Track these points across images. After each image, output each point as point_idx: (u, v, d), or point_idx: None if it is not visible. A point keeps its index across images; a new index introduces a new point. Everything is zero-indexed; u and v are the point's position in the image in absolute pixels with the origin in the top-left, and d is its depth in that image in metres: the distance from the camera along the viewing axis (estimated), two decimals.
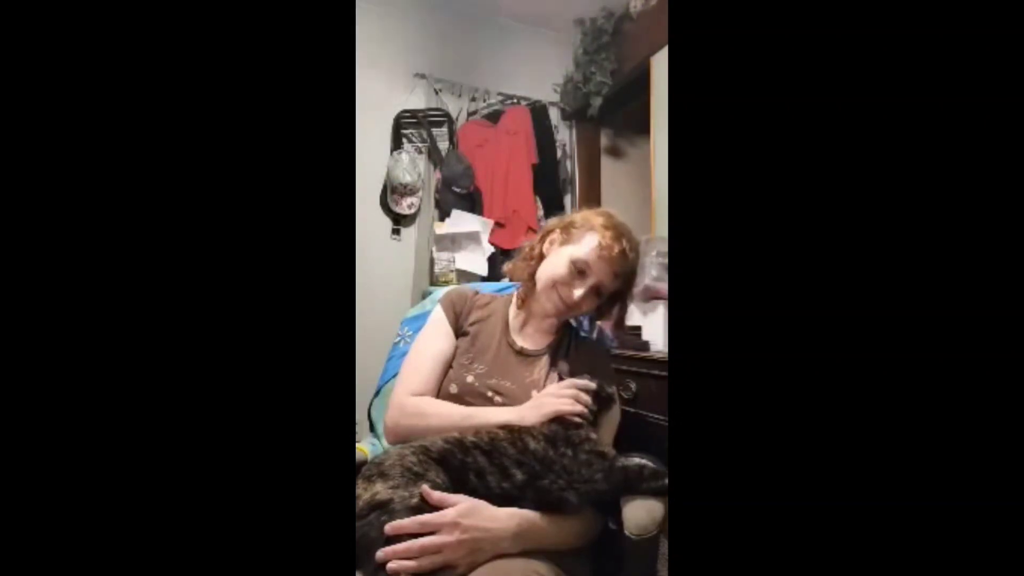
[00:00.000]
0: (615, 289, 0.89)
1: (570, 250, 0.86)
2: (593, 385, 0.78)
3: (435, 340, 0.89)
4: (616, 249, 0.84)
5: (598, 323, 1.04)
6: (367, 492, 0.63)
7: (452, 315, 0.91)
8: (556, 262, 0.87)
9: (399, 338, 1.11)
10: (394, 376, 0.98)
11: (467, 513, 0.63)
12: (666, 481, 0.71)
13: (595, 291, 0.86)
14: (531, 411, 0.76)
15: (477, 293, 0.97)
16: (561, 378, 0.81)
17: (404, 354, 0.97)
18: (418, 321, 1.05)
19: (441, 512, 0.62)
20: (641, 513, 0.71)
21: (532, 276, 0.90)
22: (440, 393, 0.84)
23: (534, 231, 2.26)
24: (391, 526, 0.60)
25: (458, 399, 0.82)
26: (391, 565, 0.58)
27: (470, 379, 0.83)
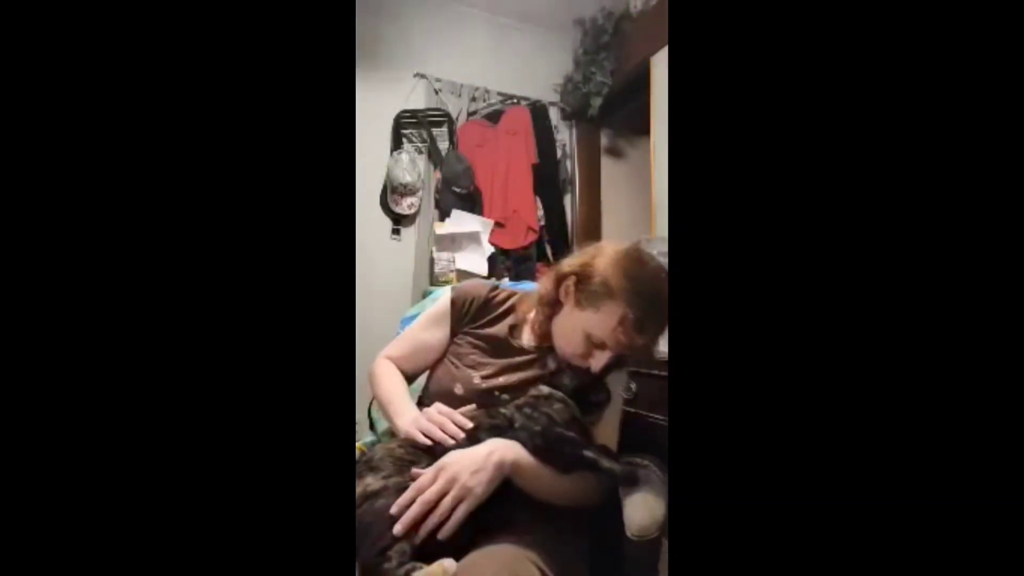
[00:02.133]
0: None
1: (586, 321, 0.76)
2: (468, 424, 0.72)
3: (427, 329, 0.89)
4: (640, 342, 0.75)
5: None
6: (359, 486, 0.64)
7: (457, 311, 0.88)
8: (571, 336, 0.78)
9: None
10: None
11: (444, 459, 0.65)
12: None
13: (616, 358, 0.80)
14: (401, 424, 0.76)
15: (496, 288, 0.92)
16: (550, 371, 0.79)
17: None
18: None
19: (426, 471, 0.64)
20: (642, 514, 0.71)
21: (548, 319, 0.83)
22: (443, 394, 0.81)
23: (534, 231, 2.26)
24: (396, 505, 0.61)
25: (464, 401, 0.79)
26: (426, 526, 0.60)
27: (476, 380, 0.81)
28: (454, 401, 0.79)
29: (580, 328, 0.76)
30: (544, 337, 0.83)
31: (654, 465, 0.82)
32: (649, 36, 2.02)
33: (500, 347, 0.85)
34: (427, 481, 0.62)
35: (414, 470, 0.65)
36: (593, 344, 0.76)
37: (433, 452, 0.69)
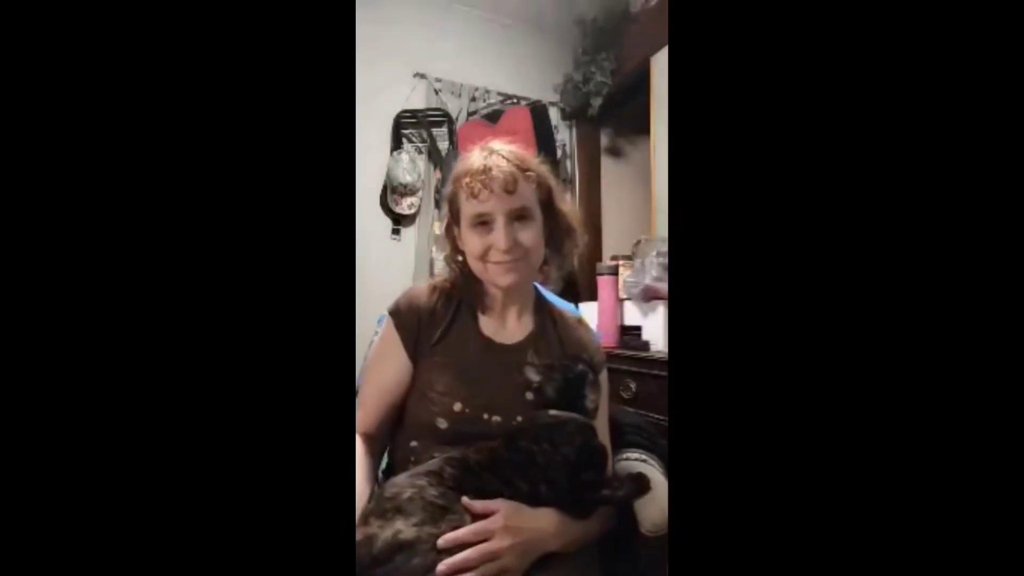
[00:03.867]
0: (540, 201, 0.77)
1: (468, 221, 0.75)
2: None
3: (380, 367, 0.78)
4: (478, 165, 0.73)
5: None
6: (386, 531, 0.59)
7: (407, 333, 0.78)
8: (467, 243, 0.76)
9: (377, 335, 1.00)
10: None
11: (513, 515, 0.63)
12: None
13: (516, 219, 0.74)
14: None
15: (434, 289, 0.82)
16: (534, 386, 0.73)
17: None
18: None
19: (491, 519, 0.62)
20: (655, 510, 0.72)
21: (466, 265, 0.80)
22: (426, 431, 0.74)
23: None
24: (446, 538, 0.59)
25: (450, 433, 0.72)
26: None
27: (458, 407, 0.73)
28: (440, 437, 0.73)
29: (465, 230, 0.76)
30: (480, 289, 0.80)
31: (652, 459, 0.83)
32: (649, 36, 2.02)
33: (472, 359, 0.77)
34: (487, 530, 0.61)
35: (465, 500, 0.63)
36: (479, 225, 0.74)
37: (461, 489, 0.65)
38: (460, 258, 0.80)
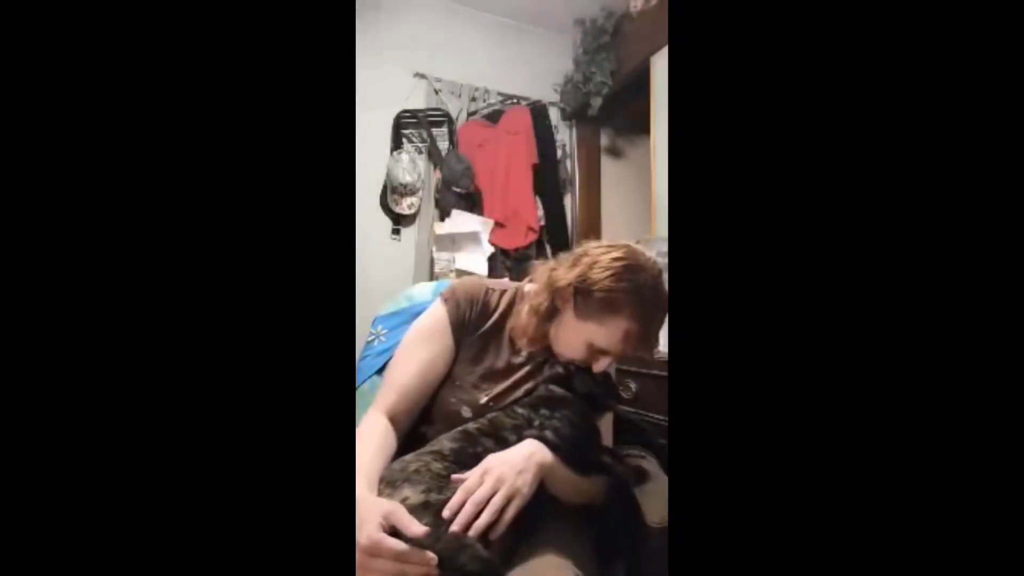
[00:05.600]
0: None
1: (589, 333, 0.74)
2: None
3: (426, 345, 0.79)
4: (643, 349, 0.78)
5: None
6: (395, 497, 0.62)
7: (457, 319, 0.80)
8: (573, 344, 0.76)
9: (372, 336, 1.00)
10: (369, 378, 0.93)
11: (487, 461, 0.65)
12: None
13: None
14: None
15: (488, 290, 0.84)
16: (559, 374, 0.78)
17: (380, 352, 0.92)
18: (395, 318, 0.97)
19: (469, 475, 0.64)
20: (661, 502, 0.73)
21: (545, 326, 0.79)
22: (450, 417, 0.77)
23: (534, 231, 2.26)
24: (447, 508, 0.61)
25: (470, 422, 0.76)
26: (479, 523, 0.59)
27: (483, 400, 0.78)
28: (460, 423, 0.75)
29: (582, 338, 0.75)
30: (540, 342, 0.80)
31: (650, 456, 0.85)
32: (649, 36, 2.02)
33: (503, 359, 0.81)
34: (474, 483, 0.62)
35: (454, 476, 0.65)
36: (596, 351, 0.75)
37: (461, 462, 0.68)
38: (545, 322, 0.78)
